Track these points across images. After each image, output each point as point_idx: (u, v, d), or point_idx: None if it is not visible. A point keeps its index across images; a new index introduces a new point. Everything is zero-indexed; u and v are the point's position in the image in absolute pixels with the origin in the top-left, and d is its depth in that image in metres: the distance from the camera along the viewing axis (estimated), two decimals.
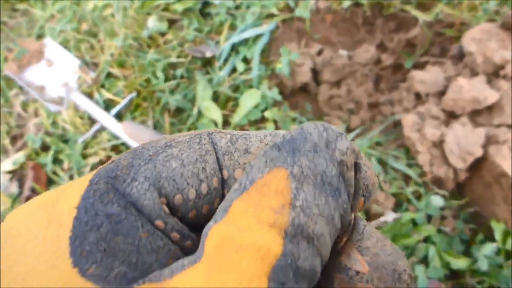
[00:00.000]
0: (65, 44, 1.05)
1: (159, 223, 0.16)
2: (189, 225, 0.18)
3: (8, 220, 0.17)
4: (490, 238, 0.72)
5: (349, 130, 0.88)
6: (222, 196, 0.18)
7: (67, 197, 0.16)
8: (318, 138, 0.16)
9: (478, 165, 0.71)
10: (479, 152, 0.68)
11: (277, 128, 0.89)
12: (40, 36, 1.10)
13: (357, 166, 0.17)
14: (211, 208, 0.17)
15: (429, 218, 0.75)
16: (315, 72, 0.98)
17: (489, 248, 0.71)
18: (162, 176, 0.17)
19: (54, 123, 0.95)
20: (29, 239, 0.15)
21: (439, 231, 0.74)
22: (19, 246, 0.15)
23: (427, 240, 0.73)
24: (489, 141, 0.70)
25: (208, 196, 0.17)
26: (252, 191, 0.15)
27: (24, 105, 0.99)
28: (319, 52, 1.00)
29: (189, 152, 0.17)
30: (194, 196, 0.17)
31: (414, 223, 0.74)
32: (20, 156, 0.91)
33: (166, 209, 0.16)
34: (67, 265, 0.15)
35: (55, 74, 1.02)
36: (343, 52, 1.02)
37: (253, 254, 0.14)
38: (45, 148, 0.93)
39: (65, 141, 0.92)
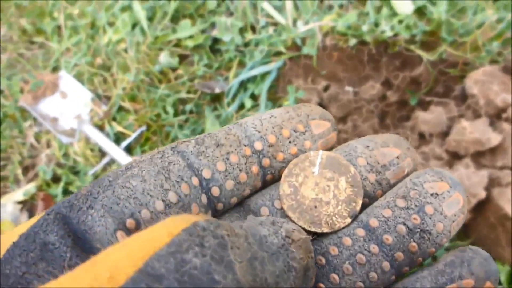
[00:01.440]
0: (79, 77, 1.09)
1: None
2: None
3: None
4: None
5: None
6: (208, 198, 0.18)
7: (23, 226, 0.17)
8: (264, 219, 0.16)
9: (482, 206, 0.72)
10: (482, 194, 0.69)
11: None
12: (55, 69, 1.14)
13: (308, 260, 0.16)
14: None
15: (434, 259, 0.75)
16: (322, 107, 1.00)
17: None
18: (121, 198, 0.16)
19: (66, 155, 0.97)
20: None
21: None
22: None
23: None
24: (493, 183, 0.70)
25: (181, 203, 0.17)
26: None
27: (37, 136, 1.02)
28: (326, 88, 1.03)
29: (150, 168, 0.17)
30: (163, 206, 0.17)
31: (421, 264, 0.74)
32: (31, 187, 0.93)
33: (121, 236, 0.16)
34: None
35: (69, 106, 1.05)
36: (349, 88, 1.04)
37: (131, 244, 0.13)
38: (56, 179, 0.95)
39: (76, 172, 0.95)
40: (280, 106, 0.97)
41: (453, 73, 0.94)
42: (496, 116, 0.76)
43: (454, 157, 0.76)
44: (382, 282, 0.19)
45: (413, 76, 0.99)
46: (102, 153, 0.96)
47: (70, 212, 0.17)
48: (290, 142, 0.20)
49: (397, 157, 0.20)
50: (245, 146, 0.19)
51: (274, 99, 0.97)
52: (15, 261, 0.15)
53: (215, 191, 0.18)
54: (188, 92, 1.00)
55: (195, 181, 0.18)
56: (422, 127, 0.82)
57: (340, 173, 0.19)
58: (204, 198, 0.18)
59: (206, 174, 0.18)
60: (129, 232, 0.16)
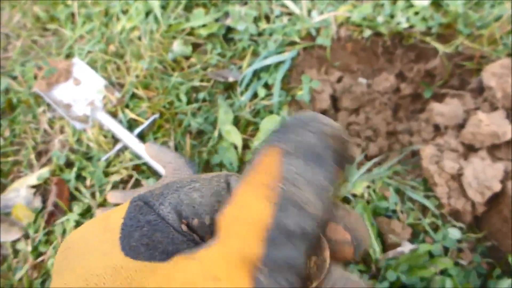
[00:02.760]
0: (92, 64, 1.09)
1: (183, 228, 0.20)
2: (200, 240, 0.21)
3: (78, 230, 0.22)
4: (508, 273, 0.72)
5: (367, 158, 0.89)
6: None
7: (116, 213, 0.21)
8: (305, 118, 0.19)
9: (496, 199, 0.71)
10: (497, 187, 0.69)
11: None
12: (68, 56, 1.14)
13: (344, 142, 0.19)
14: None
15: (445, 250, 0.75)
16: (334, 99, 1.00)
17: (506, 284, 0.71)
18: (184, 202, 0.21)
19: (79, 141, 0.98)
20: (91, 243, 0.20)
21: (456, 263, 0.74)
22: (84, 249, 0.20)
23: (443, 272, 0.73)
24: (508, 176, 0.70)
25: None
26: (250, 173, 0.18)
27: (51, 122, 1.02)
28: (339, 80, 1.02)
29: (209, 187, 0.21)
30: (209, 222, 0.21)
31: (430, 254, 0.74)
32: (45, 172, 0.94)
33: (185, 228, 0.20)
34: (121, 257, 0.18)
35: (82, 93, 1.05)
36: (362, 80, 1.03)
37: (252, 225, 0.17)
38: (69, 164, 0.96)
39: (89, 158, 0.95)
40: (293, 96, 0.97)
41: (469, 66, 0.93)
42: None
43: (470, 149, 0.76)
44: None
45: (428, 69, 0.98)
46: (115, 140, 0.97)
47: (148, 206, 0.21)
48: None
49: None
50: None
51: (288, 89, 0.97)
52: (135, 235, 0.19)
53: None
54: (201, 80, 1.00)
55: None
56: (437, 119, 0.81)
57: None
58: None
59: None
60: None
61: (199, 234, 0.21)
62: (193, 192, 0.21)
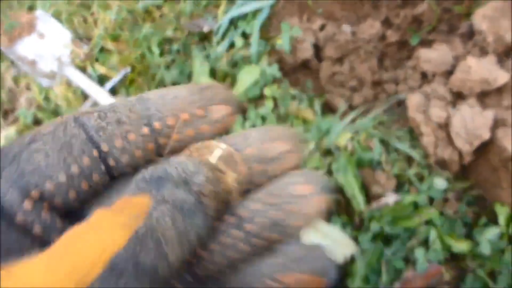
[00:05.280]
0: (57, 16, 1.01)
1: (19, 218, 0.18)
2: (75, 207, 0.19)
3: None
4: (494, 222, 0.71)
5: (351, 107, 0.86)
6: (106, 167, 0.20)
7: None
8: (177, 177, 0.18)
9: (484, 147, 0.69)
10: (486, 136, 0.66)
11: (276, 106, 0.86)
12: (31, 8, 1.06)
13: (216, 191, 0.19)
14: (91, 183, 0.19)
15: (431, 201, 0.73)
16: (317, 48, 0.95)
17: (492, 232, 0.70)
18: (26, 172, 0.18)
19: (47, 98, 0.92)
20: None
21: (441, 213, 0.73)
22: None
23: (428, 222, 0.72)
24: (497, 123, 0.67)
25: (83, 174, 0.19)
26: (115, 204, 0.17)
27: (16, 80, 0.96)
28: (322, 28, 0.97)
29: (52, 142, 0.19)
30: (65, 178, 0.19)
31: (415, 205, 0.72)
32: (11, 131, 0.89)
33: (28, 205, 0.18)
34: None
35: (47, 48, 0.98)
36: (346, 28, 0.98)
37: (96, 243, 0.15)
38: (37, 122, 0.90)
39: (58, 115, 0.90)
40: (273, 45, 0.91)
41: (458, 11, 0.89)
42: (505, 54, 0.72)
43: (458, 97, 0.73)
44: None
45: (415, 14, 0.93)
46: (85, 96, 0.91)
47: None
48: (187, 125, 0.21)
49: (284, 152, 0.22)
50: (145, 125, 0.20)
51: (267, 38, 0.91)
52: None
53: (112, 162, 0.20)
54: (175, 30, 0.94)
55: (95, 153, 0.19)
56: (425, 66, 0.77)
57: (233, 169, 0.21)
58: (102, 167, 0.20)
59: (104, 148, 0.19)
60: (36, 200, 0.18)
61: (60, 197, 0.19)
62: (34, 155, 0.18)
